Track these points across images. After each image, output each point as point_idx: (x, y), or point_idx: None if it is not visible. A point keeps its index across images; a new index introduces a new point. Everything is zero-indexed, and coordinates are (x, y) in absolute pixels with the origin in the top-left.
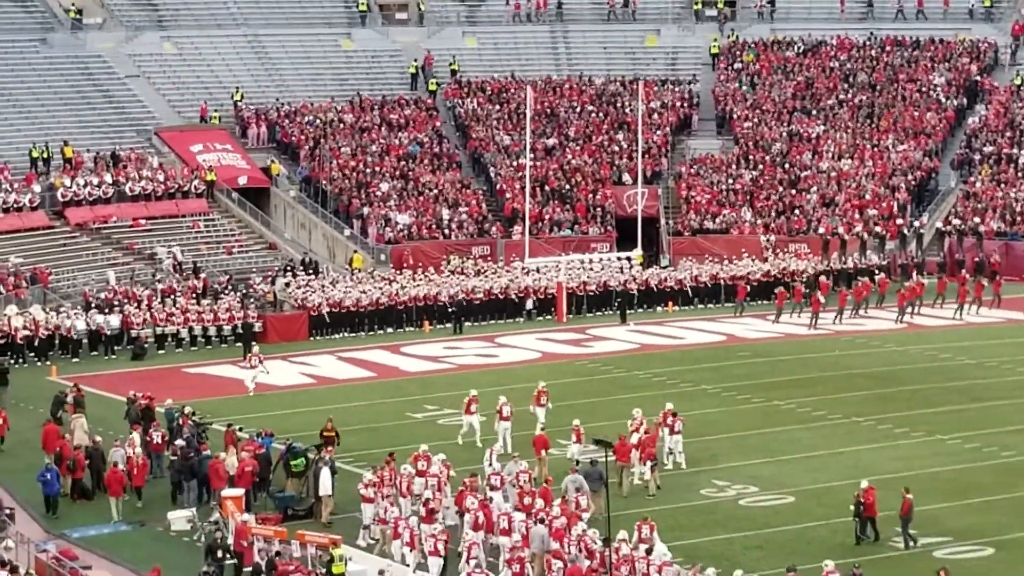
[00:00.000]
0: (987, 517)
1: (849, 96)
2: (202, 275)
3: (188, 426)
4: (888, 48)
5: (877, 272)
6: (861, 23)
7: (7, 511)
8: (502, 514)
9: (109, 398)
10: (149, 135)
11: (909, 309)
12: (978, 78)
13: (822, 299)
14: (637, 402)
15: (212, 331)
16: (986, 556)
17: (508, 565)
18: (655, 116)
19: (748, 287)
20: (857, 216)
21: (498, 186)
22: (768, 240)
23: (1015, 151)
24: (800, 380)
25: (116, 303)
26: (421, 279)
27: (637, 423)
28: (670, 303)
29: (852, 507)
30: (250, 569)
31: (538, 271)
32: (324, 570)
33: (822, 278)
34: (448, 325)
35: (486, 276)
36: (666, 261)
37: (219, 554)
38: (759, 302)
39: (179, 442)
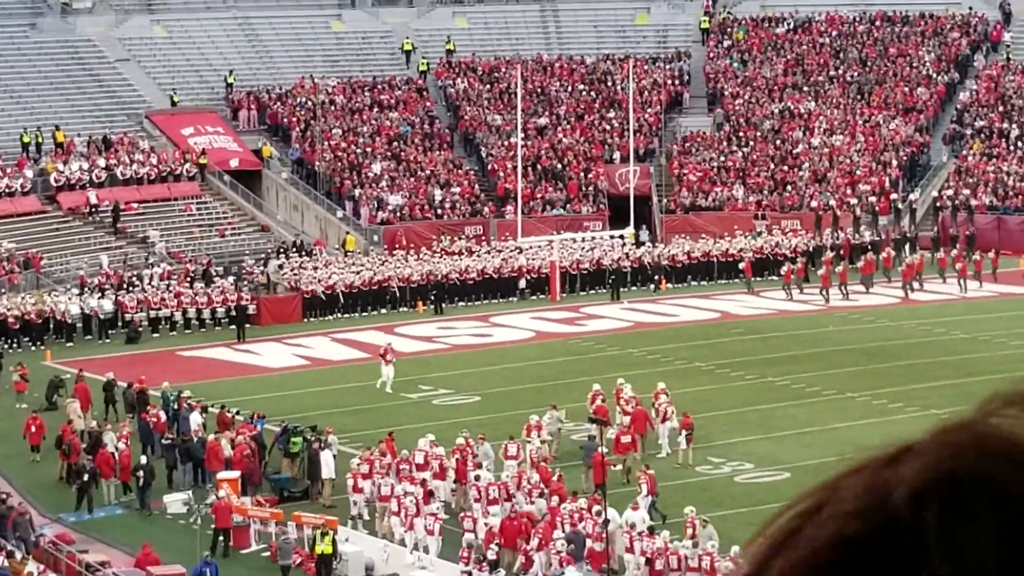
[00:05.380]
0: None
1: (840, 72)
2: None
3: (185, 408)
4: (878, 23)
5: (868, 248)
6: None
7: (3, 495)
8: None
9: (103, 382)
10: (140, 119)
11: (914, 284)
12: (968, 52)
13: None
14: (631, 381)
15: (206, 314)
16: None
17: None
18: (646, 94)
19: (751, 264)
20: (849, 191)
21: (490, 166)
22: (760, 217)
23: (1006, 125)
24: (794, 356)
25: (108, 287)
26: (413, 259)
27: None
28: (663, 281)
29: None
30: (247, 551)
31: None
32: (309, 550)
33: (828, 253)
34: (443, 306)
35: (479, 256)
36: (645, 237)
37: None
38: (755, 279)
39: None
